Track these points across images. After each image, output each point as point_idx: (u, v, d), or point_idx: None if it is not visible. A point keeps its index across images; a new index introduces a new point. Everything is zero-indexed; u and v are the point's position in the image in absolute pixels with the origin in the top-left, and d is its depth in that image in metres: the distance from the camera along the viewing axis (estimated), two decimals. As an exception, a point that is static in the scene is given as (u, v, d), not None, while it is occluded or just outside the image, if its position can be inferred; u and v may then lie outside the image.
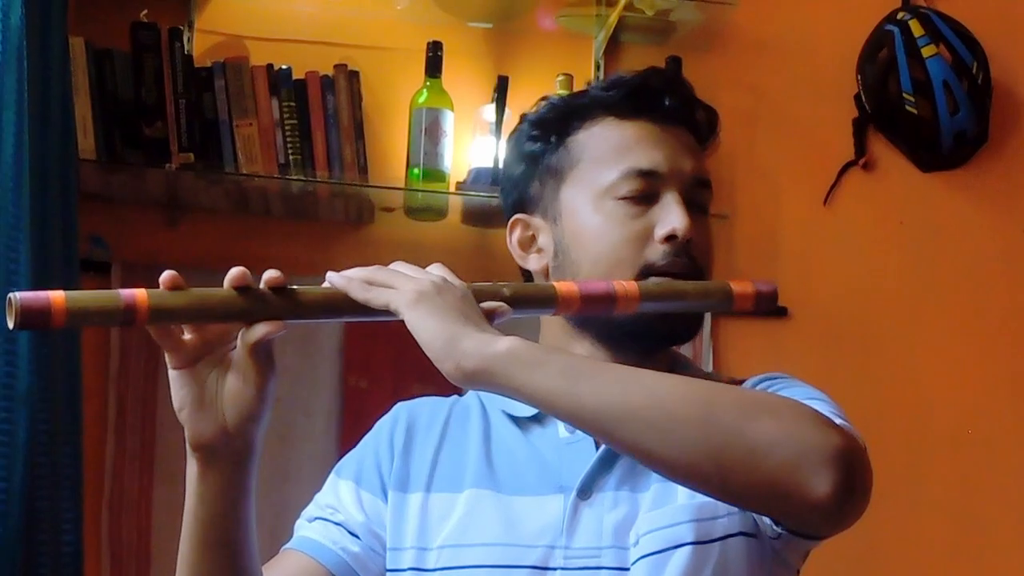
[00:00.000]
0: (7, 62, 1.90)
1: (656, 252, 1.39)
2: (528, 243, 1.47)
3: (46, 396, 1.99)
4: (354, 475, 1.45)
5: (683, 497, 1.33)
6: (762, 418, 1.18)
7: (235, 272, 1.21)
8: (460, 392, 1.50)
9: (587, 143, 1.43)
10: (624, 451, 1.24)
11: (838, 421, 1.22)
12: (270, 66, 2.77)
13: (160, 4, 2.78)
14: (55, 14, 2.20)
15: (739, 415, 1.18)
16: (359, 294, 1.24)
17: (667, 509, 1.34)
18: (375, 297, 1.24)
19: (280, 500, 2.45)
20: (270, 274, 1.22)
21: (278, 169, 2.74)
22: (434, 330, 1.20)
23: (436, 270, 1.28)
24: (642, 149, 1.41)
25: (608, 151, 1.42)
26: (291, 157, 2.74)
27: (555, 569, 1.34)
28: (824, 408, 1.25)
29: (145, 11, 2.73)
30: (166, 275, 1.19)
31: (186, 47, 2.77)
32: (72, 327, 1.23)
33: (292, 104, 2.76)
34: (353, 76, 2.81)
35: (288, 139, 2.75)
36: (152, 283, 1.20)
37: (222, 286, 1.21)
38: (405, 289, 1.23)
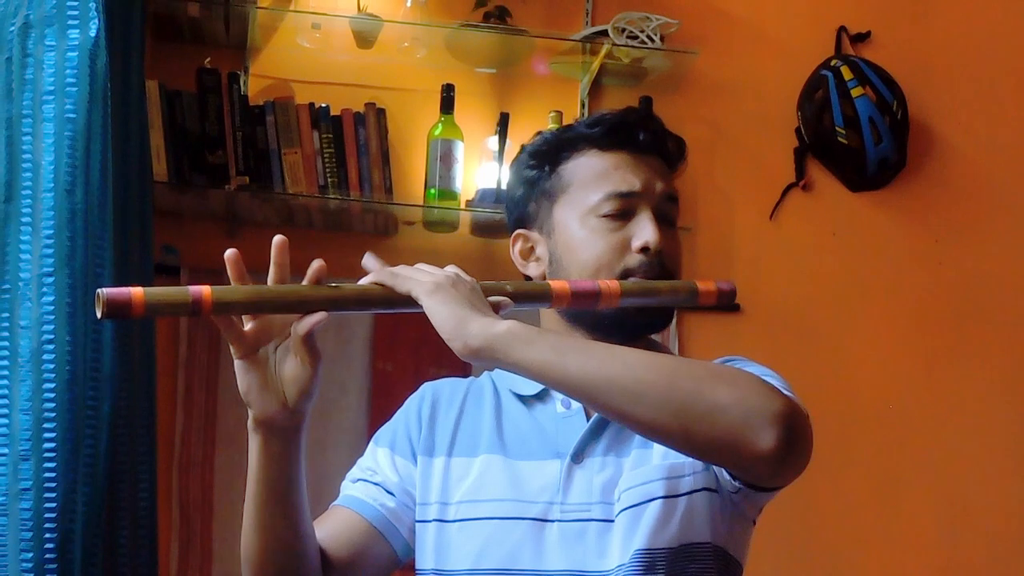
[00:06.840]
0: (95, 101, 1.89)
1: (633, 260, 1.39)
2: (528, 253, 1.47)
3: (126, 377, 1.98)
4: (389, 443, 1.45)
5: (657, 459, 1.34)
6: (718, 384, 1.17)
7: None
8: (475, 375, 1.50)
9: (575, 171, 1.43)
10: (604, 413, 1.24)
11: (784, 392, 1.22)
12: (312, 104, 2.77)
13: (221, 53, 2.79)
14: (134, 61, 2.20)
15: (698, 381, 1.18)
16: (387, 279, 1.25)
17: (643, 469, 1.34)
18: (400, 283, 1.24)
19: (320, 464, 2.43)
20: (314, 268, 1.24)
21: (318, 190, 2.74)
22: (447, 314, 1.21)
23: (451, 269, 1.28)
24: (620, 175, 1.41)
25: (592, 177, 1.42)
26: (329, 180, 2.74)
27: (553, 521, 1.34)
28: (774, 382, 1.25)
29: (208, 59, 2.74)
30: (229, 252, 1.23)
31: (242, 89, 2.77)
32: (148, 317, 1.23)
33: (330, 136, 2.75)
34: (380, 113, 2.80)
35: (327, 165, 2.74)
36: (215, 283, 1.21)
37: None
38: (425, 280, 1.24)
